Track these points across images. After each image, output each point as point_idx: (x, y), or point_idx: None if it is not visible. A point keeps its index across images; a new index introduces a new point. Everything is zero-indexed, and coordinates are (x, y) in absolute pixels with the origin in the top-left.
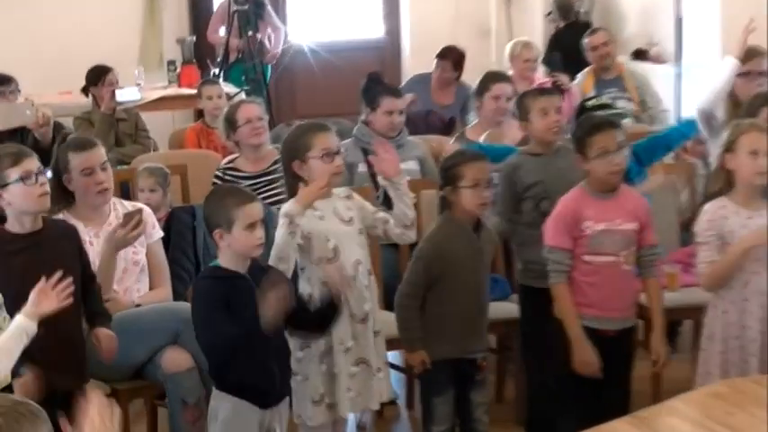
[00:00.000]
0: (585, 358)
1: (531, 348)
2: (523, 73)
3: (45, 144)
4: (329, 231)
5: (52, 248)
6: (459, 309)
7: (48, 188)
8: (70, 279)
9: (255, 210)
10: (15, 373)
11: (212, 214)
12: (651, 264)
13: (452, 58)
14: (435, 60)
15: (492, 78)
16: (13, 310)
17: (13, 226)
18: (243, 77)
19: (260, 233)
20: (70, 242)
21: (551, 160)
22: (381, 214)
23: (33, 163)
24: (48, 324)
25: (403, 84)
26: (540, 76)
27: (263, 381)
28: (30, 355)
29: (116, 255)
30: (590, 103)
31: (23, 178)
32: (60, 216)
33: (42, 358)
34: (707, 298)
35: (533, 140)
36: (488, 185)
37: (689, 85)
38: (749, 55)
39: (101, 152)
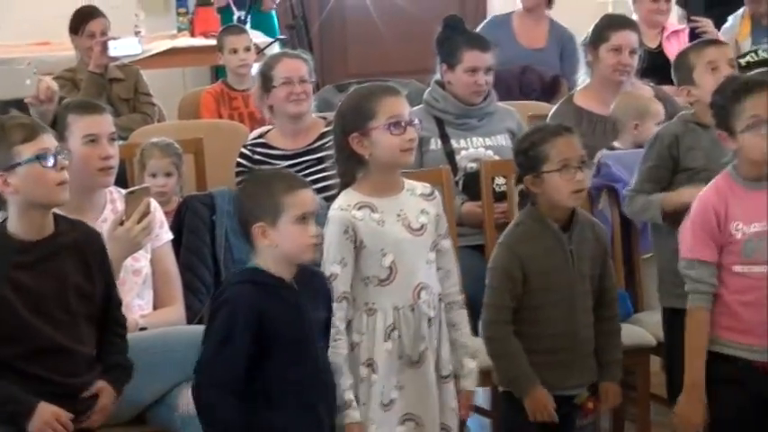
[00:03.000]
0: (691, 416)
1: (673, 389)
2: (651, 17)
3: None
4: (387, 242)
5: (67, 263)
6: (547, 330)
7: (67, 175)
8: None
9: (309, 198)
10: None
11: (253, 204)
12: None
13: None
14: None
15: (611, 24)
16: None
17: (16, 228)
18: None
19: (314, 228)
20: (93, 253)
21: None
22: (452, 261)
23: (51, 140)
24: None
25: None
26: (675, 21)
27: (307, 430)
28: None
29: (123, 260)
30: (746, 59)
31: (39, 158)
32: None
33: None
34: None
35: (699, 108)
36: (581, 165)
37: None
38: None
39: (109, 120)
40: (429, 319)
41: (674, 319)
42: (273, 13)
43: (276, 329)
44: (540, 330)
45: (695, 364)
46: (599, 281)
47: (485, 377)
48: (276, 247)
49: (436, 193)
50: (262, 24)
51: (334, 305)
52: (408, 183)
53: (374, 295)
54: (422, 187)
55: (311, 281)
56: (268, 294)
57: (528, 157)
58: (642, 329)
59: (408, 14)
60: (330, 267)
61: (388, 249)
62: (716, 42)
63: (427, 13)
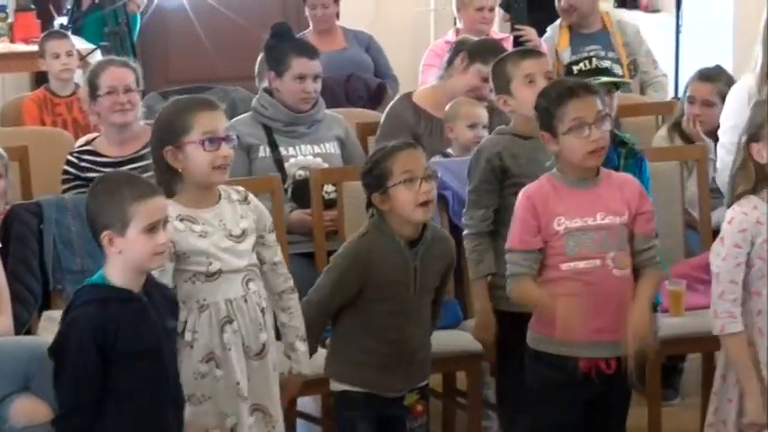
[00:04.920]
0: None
1: (504, 395)
2: (475, 26)
3: None
4: (211, 252)
5: None
6: (377, 336)
7: None
8: None
9: (160, 207)
10: None
11: (101, 211)
12: (648, 259)
13: None
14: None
15: (496, 53)
16: None
17: None
18: (103, 30)
19: (163, 237)
20: None
21: (542, 147)
22: (278, 253)
23: None
24: None
25: None
26: (497, 29)
27: None
28: None
29: None
30: (579, 66)
31: None
32: None
33: None
34: None
35: (517, 119)
36: (427, 177)
37: (690, 41)
38: None
39: None
40: (262, 309)
41: (503, 322)
42: (138, 16)
43: (126, 345)
44: (371, 333)
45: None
46: (435, 293)
47: (314, 385)
48: (124, 256)
49: (250, 195)
50: (86, 29)
51: None
52: (223, 189)
53: (204, 291)
54: (236, 193)
55: (157, 291)
56: (115, 311)
57: (373, 176)
58: (468, 336)
59: (230, 21)
60: None
61: (213, 258)
62: (533, 54)
63: (249, 20)
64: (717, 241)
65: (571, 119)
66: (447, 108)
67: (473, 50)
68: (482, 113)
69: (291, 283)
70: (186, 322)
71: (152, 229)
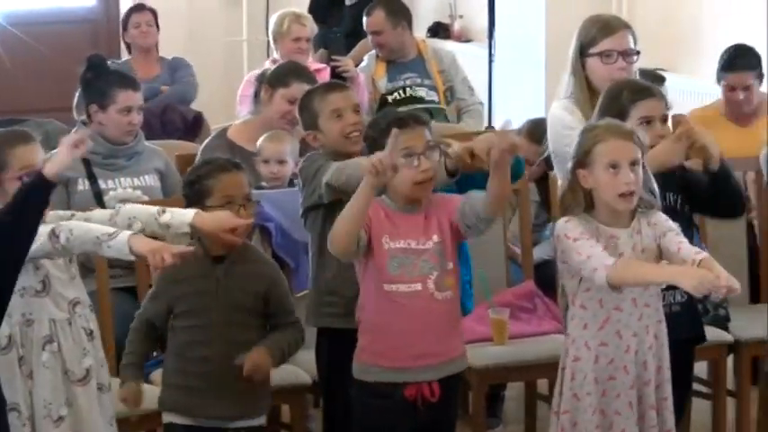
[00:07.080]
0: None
1: (331, 426)
2: (292, 56)
3: None
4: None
5: None
6: (189, 354)
7: None
8: None
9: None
10: None
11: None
12: None
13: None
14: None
15: (295, 74)
16: None
17: None
18: None
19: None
20: None
21: None
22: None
23: None
24: None
25: None
26: (312, 59)
27: None
28: None
29: None
30: (394, 96)
31: None
32: None
33: None
34: (544, 352)
35: (326, 154)
36: (246, 202)
37: (502, 70)
38: (608, 28)
39: None
40: (90, 333)
41: (327, 340)
42: None
43: None
44: (183, 351)
45: None
46: (274, 314)
47: (146, 421)
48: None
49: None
50: None
51: None
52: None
53: (30, 306)
54: (53, 215)
55: None
56: None
57: (193, 189)
58: (299, 369)
59: (38, 52)
60: None
61: (41, 262)
62: (338, 87)
63: (59, 51)
64: (570, 253)
65: (400, 149)
66: None
67: (272, 78)
68: (274, 149)
69: None
70: (12, 336)
71: None
